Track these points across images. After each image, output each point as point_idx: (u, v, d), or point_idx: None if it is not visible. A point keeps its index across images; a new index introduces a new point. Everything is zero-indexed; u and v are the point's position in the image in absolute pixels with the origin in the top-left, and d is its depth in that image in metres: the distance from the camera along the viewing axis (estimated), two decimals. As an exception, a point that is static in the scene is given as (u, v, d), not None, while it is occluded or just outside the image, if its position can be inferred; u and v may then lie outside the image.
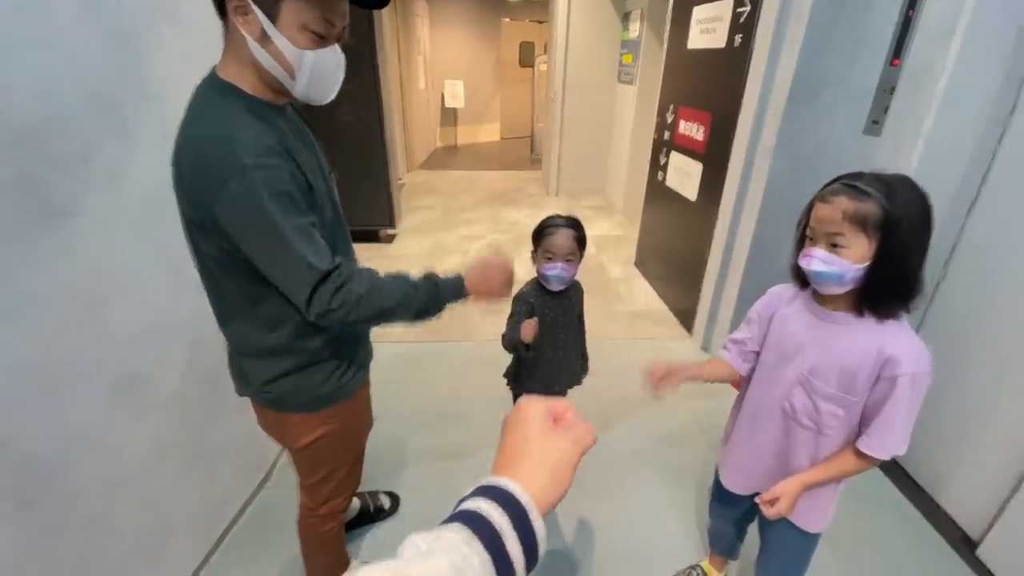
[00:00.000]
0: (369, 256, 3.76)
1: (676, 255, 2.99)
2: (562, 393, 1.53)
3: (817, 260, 0.86)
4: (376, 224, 3.98)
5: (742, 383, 1.15)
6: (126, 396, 1.19)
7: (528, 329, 1.22)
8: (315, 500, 1.18)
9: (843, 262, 0.84)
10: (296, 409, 1.03)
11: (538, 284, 1.37)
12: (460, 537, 0.32)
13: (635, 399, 2.20)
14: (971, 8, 1.39)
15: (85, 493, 1.09)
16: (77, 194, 1.04)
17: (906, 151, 1.57)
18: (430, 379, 2.32)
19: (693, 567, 1.47)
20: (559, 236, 1.29)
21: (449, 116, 8.92)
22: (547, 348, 1.41)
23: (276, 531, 1.55)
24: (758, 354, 1.10)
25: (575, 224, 1.33)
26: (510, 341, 1.32)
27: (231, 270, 0.85)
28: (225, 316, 0.95)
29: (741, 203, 2.24)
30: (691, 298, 2.71)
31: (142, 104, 1.20)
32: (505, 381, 1.53)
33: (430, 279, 0.95)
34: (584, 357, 1.56)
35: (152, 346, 1.26)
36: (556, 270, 1.29)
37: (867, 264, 0.84)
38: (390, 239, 4.11)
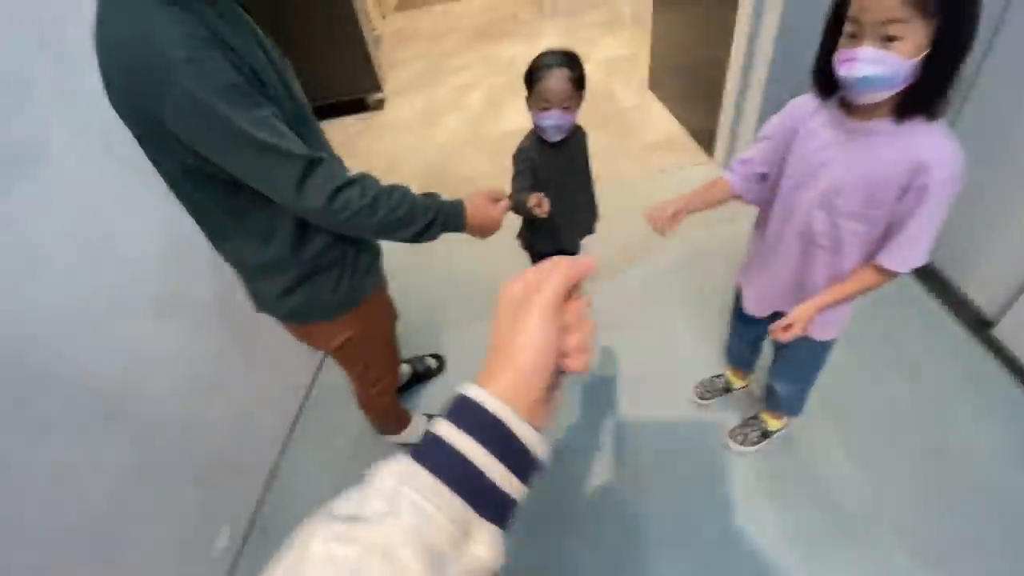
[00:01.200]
0: (361, 129, 3.55)
1: (692, 70, 2.68)
2: (574, 247, 1.54)
3: (864, 63, 0.72)
4: (360, 91, 3.66)
5: (761, 205, 1.11)
6: (168, 314, 1.27)
7: (539, 204, 1.15)
8: (364, 385, 1.31)
9: (897, 58, 0.71)
10: (314, 319, 1.04)
11: (536, 136, 1.28)
12: (420, 491, 0.29)
13: (655, 235, 2.19)
14: None
15: (164, 403, 1.24)
16: (34, 133, 0.98)
17: None
18: (449, 244, 2.35)
19: (717, 376, 1.61)
20: (552, 79, 1.16)
21: (414, -65, 7.52)
22: (554, 203, 1.37)
23: (342, 404, 1.75)
24: (765, 176, 1.04)
25: (570, 62, 1.18)
26: (517, 204, 1.28)
27: (203, 184, 0.79)
28: (214, 235, 0.91)
29: (763, -6, 1.92)
30: (711, 116, 2.50)
31: (80, 30, 1.04)
32: (519, 243, 1.54)
33: (434, 200, 0.93)
34: (594, 205, 1.52)
35: (175, 263, 1.30)
36: (553, 119, 1.19)
37: (924, 55, 0.71)
38: (379, 105, 3.82)
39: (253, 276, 0.98)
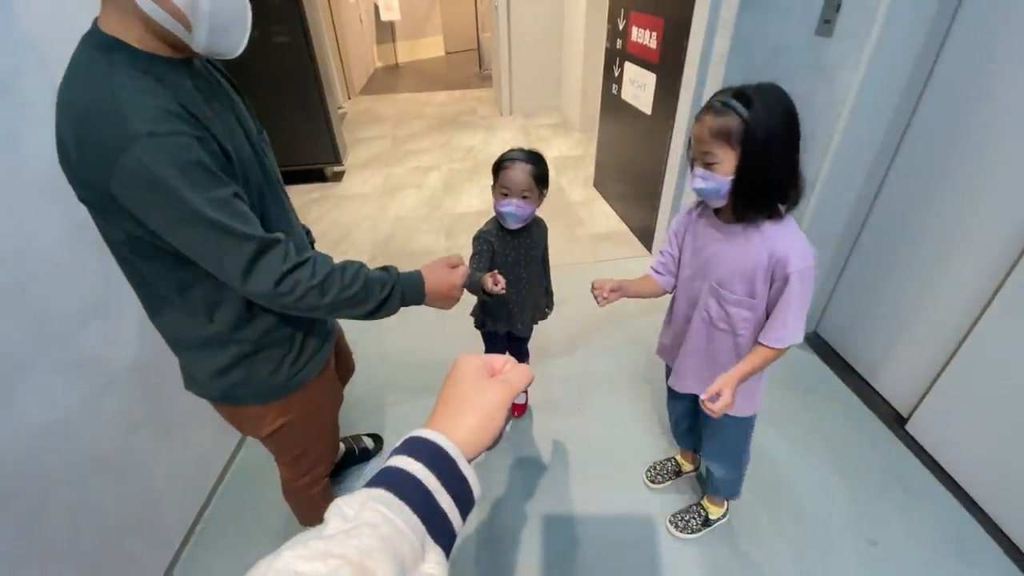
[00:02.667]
0: (316, 198, 3.58)
1: (634, 173, 2.96)
2: (527, 331, 1.56)
3: (698, 179, 0.94)
4: (320, 162, 3.74)
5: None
6: (79, 378, 1.14)
7: (491, 283, 1.17)
8: (294, 473, 1.18)
9: (717, 177, 0.91)
10: (249, 402, 0.96)
11: (498, 222, 1.34)
12: (387, 504, 0.32)
13: (601, 321, 2.28)
14: None
15: (59, 479, 1.07)
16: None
17: (855, 53, 1.55)
18: (401, 318, 2.32)
19: (668, 459, 1.62)
20: (515, 171, 1.24)
21: (386, 31, 8.17)
22: (509, 288, 1.41)
23: (263, 484, 1.59)
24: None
25: (534, 159, 1.27)
26: (472, 284, 1.31)
27: (148, 255, 0.75)
28: (154, 308, 0.85)
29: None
30: (650, 216, 2.73)
31: (18, 66, 1.02)
32: (473, 321, 1.54)
33: (391, 275, 0.91)
34: (548, 293, 1.58)
35: (95, 324, 1.19)
36: (511, 207, 1.25)
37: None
38: (338, 177, 3.89)
39: (189, 352, 0.90)
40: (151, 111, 0.64)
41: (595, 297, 1.17)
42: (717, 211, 1.02)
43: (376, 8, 7.76)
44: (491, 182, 1.32)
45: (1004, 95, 1.37)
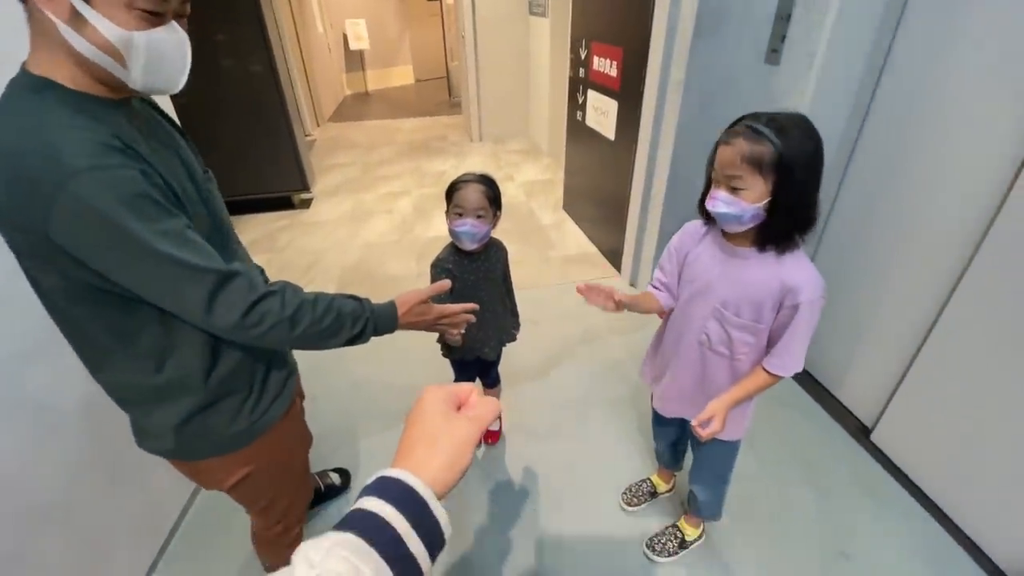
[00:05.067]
0: (284, 225, 3.52)
1: (601, 196, 3.02)
2: (493, 354, 1.55)
3: (720, 202, 0.92)
4: (287, 189, 3.69)
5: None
6: (21, 421, 1.07)
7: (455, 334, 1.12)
8: (268, 521, 1.11)
9: (742, 203, 0.89)
10: (208, 455, 0.90)
11: (455, 248, 1.35)
12: (354, 551, 0.32)
13: (574, 342, 2.29)
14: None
15: (-10, 535, 0.99)
16: None
17: (801, 80, 1.63)
18: (368, 348, 2.27)
19: (642, 481, 1.61)
20: (468, 190, 1.26)
21: (355, 60, 8.25)
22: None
23: (222, 531, 1.51)
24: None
25: (486, 180, 1.30)
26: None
27: (86, 303, 0.70)
28: (95, 362, 0.78)
29: (656, 140, 2.27)
30: (618, 237, 2.78)
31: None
32: (439, 348, 1.52)
33: (363, 307, 0.89)
34: (514, 314, 1.58)
35: (40, 362, 1.12)
36: (466, 226, 1.26)
37: (764, 203, 0.89)
38: (306, 204, 3.85)
39: (138, 408, 0.84)
40: (88, 145, 0.61)
41: (585, 297, 1.14)
42: (727, 233, 1.00)
43: (345, 37, 7.84)
44: (444, 213, 1.33)
45: (942, 117, 1.46)
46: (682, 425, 1.35)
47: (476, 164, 4.81)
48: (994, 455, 1.38)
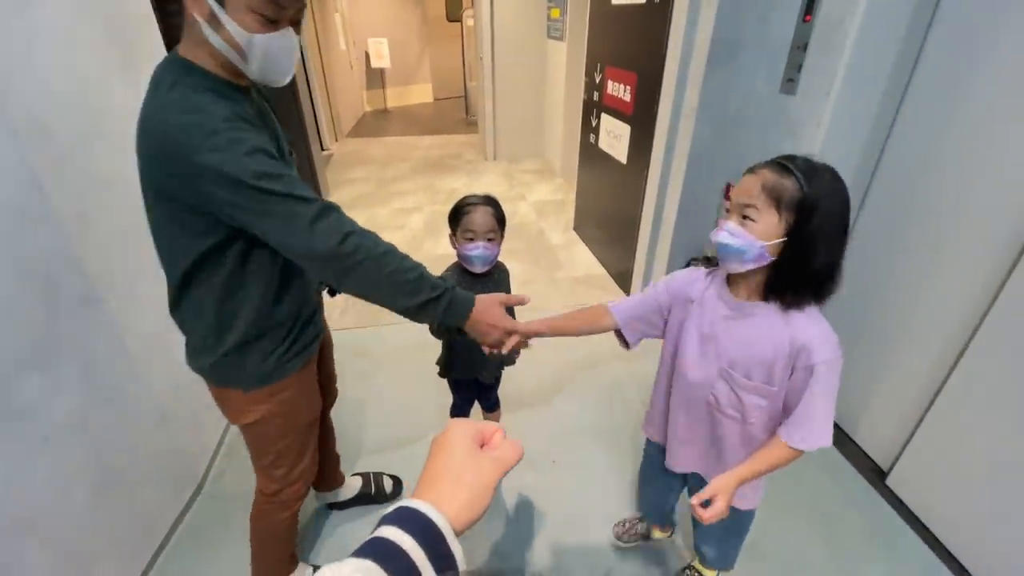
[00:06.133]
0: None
1: (611, 218, 3.00)
2: (491, 377, 1.51)
3: (724, 232, 0.84)
4: (302, 203, 3.73)
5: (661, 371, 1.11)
6: (9, 432, 1.06)
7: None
8: (270, 483, 1.16)
9: (748, 236, 0.82)
10: (236, 386, 1.02)
11: (460, 268, 1.33)
12: None
13: (576, 367, 2.24)
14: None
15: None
16: None
17: (818, 110, 1.60)
18: (428, 362, 2.26)
19: (639, 519, 1.50)
20: (477, 214, 1.24)
21: (376, 77, 8.42)
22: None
23: (212, 545, 1.47)
24: (640, 325, 1.07)
25: (493, 202, 1.29)
26: (438, 329, 1.27)
27: (197, 234, 0.84)
28: (182, 285, 0.92)
29: (668, 165, 2.25)
30: (627, 260, 2.75)
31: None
32: (437, 370, 1.49)
33: (445, 282, 0.96)
34: None
35: (32, 374, 1.11)
36: (478, 250, 1.24)
37: (772, 243, 0.81)
38: (320, 218, 3.89)
39: (198, 332, 0.97)
40: (221, 114, 0.78)
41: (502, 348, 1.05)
42: (732, 286, 0.92)
43: (367, 55, 8.03)
44: (449, 236, 1.32)
45: (965, 149, 1.42)
46: (687, 479, 1.22)
47: (489, 183, 4.83)
48: (1018, 504, 1.30)
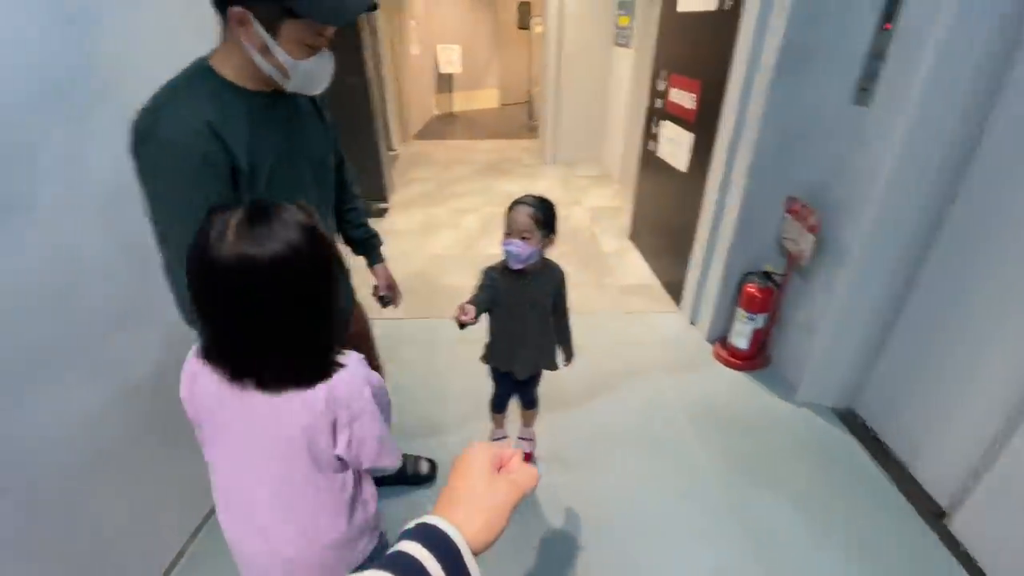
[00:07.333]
0: (360, 231, 3.75)
1: (667, 227, 2.95)
2: (523, 374, 1.52)
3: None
4: (367, 198, 3.93)
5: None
6: (101, 382, 1.21)
7: (458, 313, 1.29)
8: None
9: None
10: None
11: (504, 265, 1.38)
12: None
13: (622, 375, 2.22)
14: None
15: (59, 474, 1.12)
16: (29, 186, 1.03)
17: (893, 122, 1.52)
18: (471, 354, 2.35)
19: None
20: (517, 212, 1.30)
21: (445, 82, 8.69)
22: (506, 327, 1.45)
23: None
24: None
25: (539, 203, 1.32)
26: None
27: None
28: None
29: (729, 175, 2.19)
30: (680, 271, 2.69)
31: (93, 87, 1.16)
32: (481, 360, 1.55)
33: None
34: (566, 342, 1.55)
35: (125, 332, 1.27)
36: (511, 246, 1.30)
37: None
38: (381, 213, 4.08)
39: None
40: (179, 123, 0.80)
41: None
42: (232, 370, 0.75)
43: (437, 61, 8.31)
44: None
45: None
46: None
47: (545, 187, 4.87)
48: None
